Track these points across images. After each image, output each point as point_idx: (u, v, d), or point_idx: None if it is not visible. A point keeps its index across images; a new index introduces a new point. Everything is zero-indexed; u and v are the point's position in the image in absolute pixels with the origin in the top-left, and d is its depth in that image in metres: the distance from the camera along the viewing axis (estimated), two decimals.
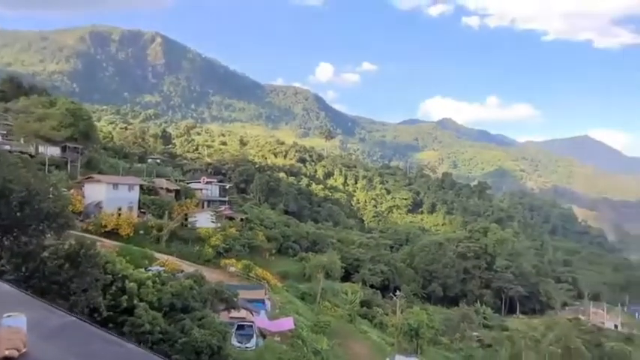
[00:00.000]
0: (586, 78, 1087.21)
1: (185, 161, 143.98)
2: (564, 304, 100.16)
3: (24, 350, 1.63)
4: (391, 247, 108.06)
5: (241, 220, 75.31)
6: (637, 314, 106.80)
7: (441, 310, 74.04)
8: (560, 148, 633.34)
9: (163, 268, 37.17)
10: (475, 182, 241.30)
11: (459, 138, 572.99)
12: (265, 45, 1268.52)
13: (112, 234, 50.18)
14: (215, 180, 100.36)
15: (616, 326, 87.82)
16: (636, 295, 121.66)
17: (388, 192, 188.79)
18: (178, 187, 74.71)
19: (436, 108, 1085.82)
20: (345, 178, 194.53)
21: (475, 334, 58.37)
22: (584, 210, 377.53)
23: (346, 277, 73.97)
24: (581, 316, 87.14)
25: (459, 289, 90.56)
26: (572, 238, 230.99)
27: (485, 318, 71.33)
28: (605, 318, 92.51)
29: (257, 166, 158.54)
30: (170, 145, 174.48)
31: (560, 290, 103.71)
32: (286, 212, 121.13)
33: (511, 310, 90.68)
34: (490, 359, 54.14)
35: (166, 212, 62.68)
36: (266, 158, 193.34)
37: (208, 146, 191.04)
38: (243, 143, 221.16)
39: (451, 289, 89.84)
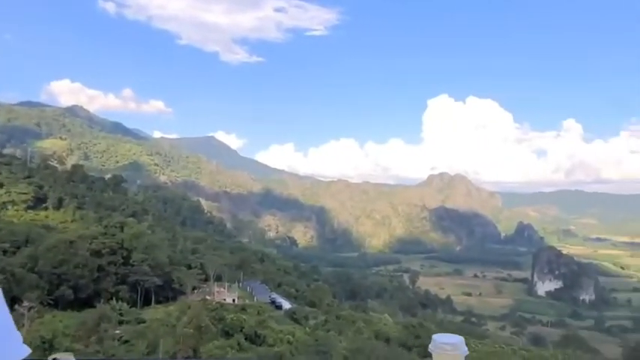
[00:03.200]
0: (213, 85, 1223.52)
1: None
2: (194, 288, 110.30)
3: None
4: (5, 252, 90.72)
5: None
6: (248, 287, 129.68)
7: (74, 314, 68.01)
8: (190, 145, 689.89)
9: None
10: (109, 175, 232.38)
11: (92, 128, 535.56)
12: None
13: None
14: None
15: (234, 300, 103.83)
16: (247, 272, 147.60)
17: (1, 185, 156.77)
18: None
19: (64, 93, 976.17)
20: None
21: (117, 332, 56.88)
22: (209, 202, 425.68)
23: None
24: (207, 297, 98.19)
25: (93, 289, 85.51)
26: (200, 227, 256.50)
27: (121, 314, 70.31)
28: (226, 295, 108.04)
29: None
30: None
31: (191, 276, 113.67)
32: None
33: (147, 302, 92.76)
34: (128, 354, 54.03)
35: None
36: None
37: None
38: None
39: (84, 290, 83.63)
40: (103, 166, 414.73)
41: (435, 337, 2.37)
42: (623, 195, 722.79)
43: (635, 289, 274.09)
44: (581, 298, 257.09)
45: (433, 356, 2.35)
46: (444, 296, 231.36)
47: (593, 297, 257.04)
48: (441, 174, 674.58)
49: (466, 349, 2.32)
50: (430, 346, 2.37)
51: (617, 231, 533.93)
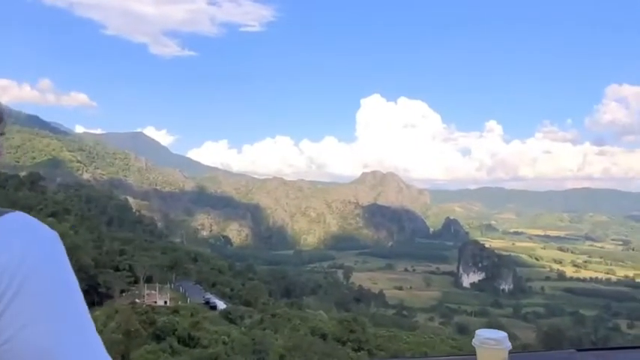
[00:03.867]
0: (142, 79, 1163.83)
1: None
2: (122, 291, 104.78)
3: None
4: None
5: None
6: (181, 288, 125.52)
7: None
8: (117, 141, 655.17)
9: None
10: (25, 173, 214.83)
11: (5, 121, 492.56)
12: None
13: None
14: None
15: (166, 302, 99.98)
16: (180, 272, 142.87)
17: None
18: None
19: None
20: None
21: None
22: (138, 201, 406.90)
23: None
24: (137, 300, 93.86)
25: None
26: (128, 227, 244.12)
27: None
28: (158, 297, 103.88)
29: None
30: None
31: (119, 278, 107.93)
32: None
33: None
34: None
35: None
36: None
37: None
38: None
39: None
40: (18, 162, 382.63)
41: (478, 332, 2.29)
42: (537, 192, 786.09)
43: (547, 278, 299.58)
44: (501, 288, 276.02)
45: (477, 351, 2.27)
46: (376, 291, 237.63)
47: (511, 286, 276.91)
48: (374, 172, 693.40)
49: (509, 343, 2.23)
50: (474, 340, 2.28)
51: (532, 225, 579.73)
